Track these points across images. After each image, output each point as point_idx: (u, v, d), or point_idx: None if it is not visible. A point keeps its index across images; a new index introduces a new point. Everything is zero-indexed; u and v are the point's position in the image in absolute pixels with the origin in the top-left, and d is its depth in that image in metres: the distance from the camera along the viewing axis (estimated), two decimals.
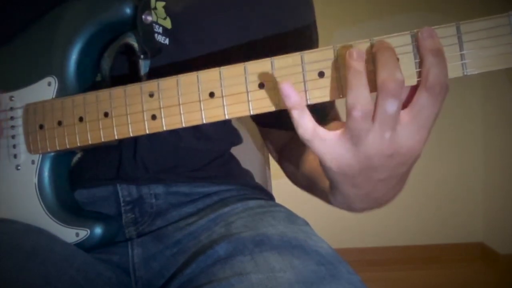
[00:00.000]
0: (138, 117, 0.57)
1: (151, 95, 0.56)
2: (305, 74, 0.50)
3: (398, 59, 0.47)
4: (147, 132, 0.57)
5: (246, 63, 0.52)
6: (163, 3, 0.68)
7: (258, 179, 0.90)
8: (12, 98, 0.66)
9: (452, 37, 0.46)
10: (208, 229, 0.69)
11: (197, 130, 0.71)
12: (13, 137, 0.66)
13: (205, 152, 0.78)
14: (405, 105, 0.47)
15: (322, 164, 0.50)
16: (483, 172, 2.76)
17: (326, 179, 0.54)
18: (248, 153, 1.00)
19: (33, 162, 0.65)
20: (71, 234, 0.64)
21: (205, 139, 0.75)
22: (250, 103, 0.52)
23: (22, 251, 0.58)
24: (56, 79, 0.64)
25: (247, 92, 0.52)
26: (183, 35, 0.69)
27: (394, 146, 0.47)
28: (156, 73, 0.62)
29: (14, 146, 0.66)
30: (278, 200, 0.83)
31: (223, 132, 0.80)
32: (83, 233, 0.64)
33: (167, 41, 0.68)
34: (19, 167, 0.66)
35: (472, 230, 2.78)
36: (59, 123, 0.62)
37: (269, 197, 0.84)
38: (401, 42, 0.47)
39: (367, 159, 0.47)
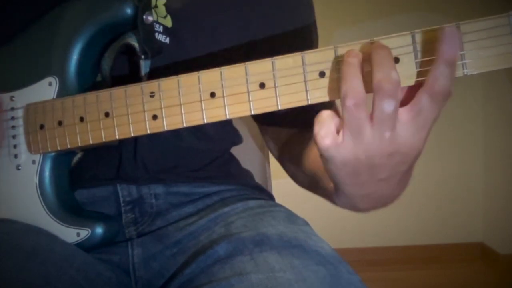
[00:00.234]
0: (139, 117, 0.57)
1: (152, 96, 0.56)
2: (306, 75, 0.50)
3: (398, 59, 0.47)
4: (148, 132, 0.57)
5: (247, 63, 0.52)
6: (164, 1, 0.68)
7: (258, 179, 0.90)
8: (13, 98, 0.66)
9: None
10: (208, 229, 0.69)
11: (198, 130, 0.71)
12: (13, 137, 0.66)
13: (206, 152, 0.78)
14: (405, 102, 0.46)
15: (326, 166, 0.50)
16: (483, 172, 2.76)
17: (329, 179, 0.54)
18: (248, 153, 1.00)
19: (33, 162, 0.65)
20: (72, 234, 0.64)
21: (206, 139, 0.75)
22: (251, 103, 0.52)
23: (22, 251, 0.58)
24: (56, 79, 0.64)
25: (248, 92, 0.52)
26: (184, 33, 0.69)
27: (394, 145, 0.46)
28: (156, 73, 0.62)
29: (14, 146, 0.66)
30: (278, 200, 0.83)
31: (224, 132, 0.80)
32: (84, 233, 0.64)
33: (167, 40, 0.68)
34: (19, 167, 0.66)
35: (472, 230, 2.78)
36: (60, 123, 0.62)
37: (269, 197, 0.84)
38: (401, 43, 0.47)
39: (369, 159, 0.47)
